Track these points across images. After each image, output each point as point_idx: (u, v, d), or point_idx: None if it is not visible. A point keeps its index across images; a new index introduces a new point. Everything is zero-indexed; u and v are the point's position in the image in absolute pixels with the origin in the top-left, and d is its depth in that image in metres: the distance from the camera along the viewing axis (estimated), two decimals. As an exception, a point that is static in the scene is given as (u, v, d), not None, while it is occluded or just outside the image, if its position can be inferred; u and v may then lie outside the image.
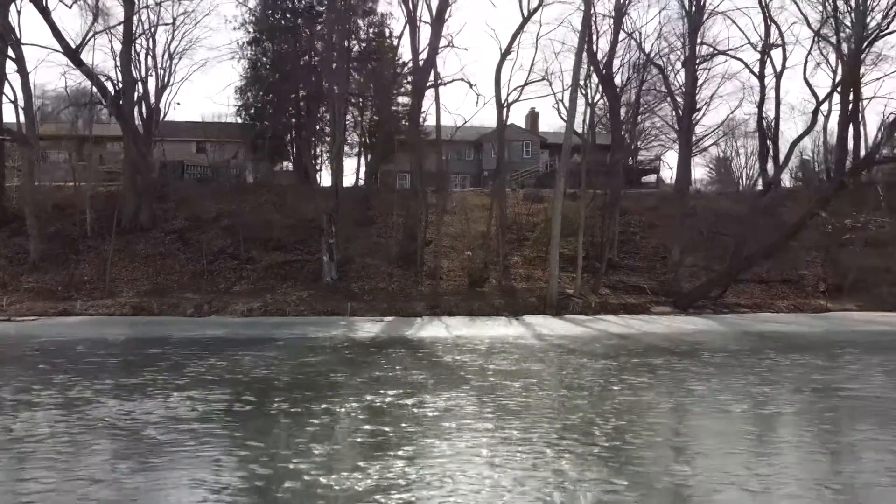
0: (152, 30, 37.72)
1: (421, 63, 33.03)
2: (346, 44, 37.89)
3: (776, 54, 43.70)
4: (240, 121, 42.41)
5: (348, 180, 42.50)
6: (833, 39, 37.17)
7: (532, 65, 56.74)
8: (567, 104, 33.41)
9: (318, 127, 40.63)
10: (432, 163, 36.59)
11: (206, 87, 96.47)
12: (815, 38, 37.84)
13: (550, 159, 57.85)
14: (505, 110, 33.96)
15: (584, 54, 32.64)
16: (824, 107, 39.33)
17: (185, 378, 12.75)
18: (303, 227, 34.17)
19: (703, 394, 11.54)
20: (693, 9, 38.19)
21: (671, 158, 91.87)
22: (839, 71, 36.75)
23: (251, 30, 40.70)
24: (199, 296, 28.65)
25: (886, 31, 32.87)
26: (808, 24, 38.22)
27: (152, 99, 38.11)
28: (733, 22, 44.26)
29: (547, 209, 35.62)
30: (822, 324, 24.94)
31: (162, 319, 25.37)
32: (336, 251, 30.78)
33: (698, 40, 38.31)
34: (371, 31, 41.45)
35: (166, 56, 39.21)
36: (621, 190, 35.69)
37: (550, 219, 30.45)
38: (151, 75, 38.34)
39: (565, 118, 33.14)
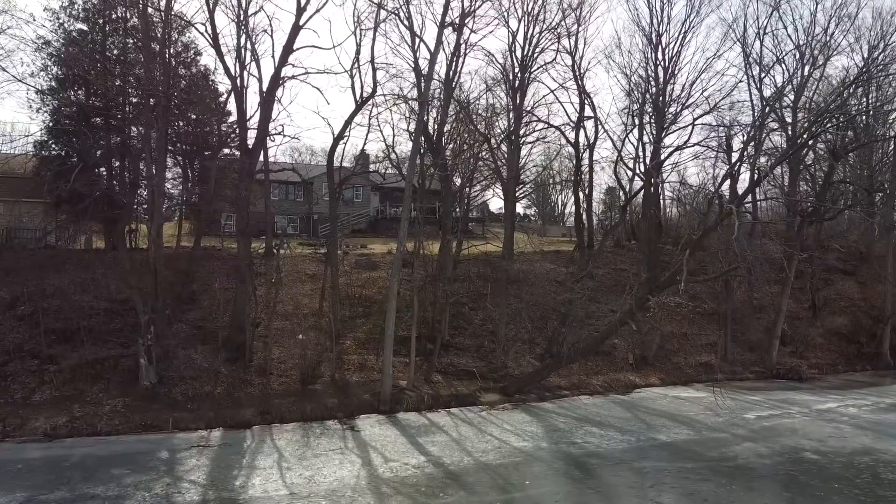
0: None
1: (251, 142, 31.53)
2: (166, 94, 35.24)
3: (590, 126, 47.75)
4: (38, 174, 37.91)
5: (168, 240, 39.78)
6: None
7: (365, 144, 57.55)
8: (405, 172, 33.76)
9: (135, 194, 37.40)
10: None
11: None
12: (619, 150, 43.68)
13: (381, 203, 58.10)
14: (338, 191, 33.46)
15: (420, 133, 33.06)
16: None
17: None
18: (116, 313, 31.53)
19: None
20: (517, 83, 40.06)
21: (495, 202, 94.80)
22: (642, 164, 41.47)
23: (52, 75, 36.52)
24: (-13, 412, 25.25)
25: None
26: (613, 144, 45.63)
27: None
28: (556, 98, 47.31)
29: (382, 285, 35.71)
30: (629, 421, 27.36)
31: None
32: (155, 348, 28.62)
33: (523, 114, 40.31)
34: (191, 81, 38.84)
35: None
36: (451, 267, 36.57)
37: (385, 307, 30.50)
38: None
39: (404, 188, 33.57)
